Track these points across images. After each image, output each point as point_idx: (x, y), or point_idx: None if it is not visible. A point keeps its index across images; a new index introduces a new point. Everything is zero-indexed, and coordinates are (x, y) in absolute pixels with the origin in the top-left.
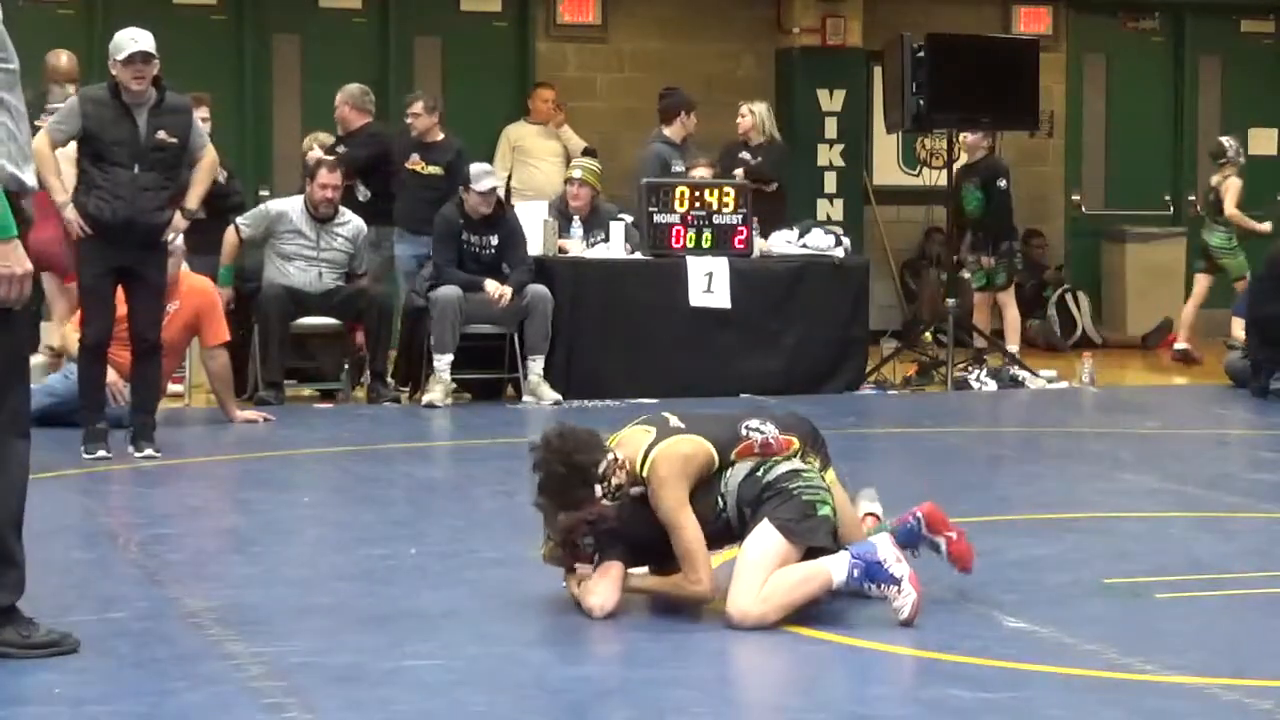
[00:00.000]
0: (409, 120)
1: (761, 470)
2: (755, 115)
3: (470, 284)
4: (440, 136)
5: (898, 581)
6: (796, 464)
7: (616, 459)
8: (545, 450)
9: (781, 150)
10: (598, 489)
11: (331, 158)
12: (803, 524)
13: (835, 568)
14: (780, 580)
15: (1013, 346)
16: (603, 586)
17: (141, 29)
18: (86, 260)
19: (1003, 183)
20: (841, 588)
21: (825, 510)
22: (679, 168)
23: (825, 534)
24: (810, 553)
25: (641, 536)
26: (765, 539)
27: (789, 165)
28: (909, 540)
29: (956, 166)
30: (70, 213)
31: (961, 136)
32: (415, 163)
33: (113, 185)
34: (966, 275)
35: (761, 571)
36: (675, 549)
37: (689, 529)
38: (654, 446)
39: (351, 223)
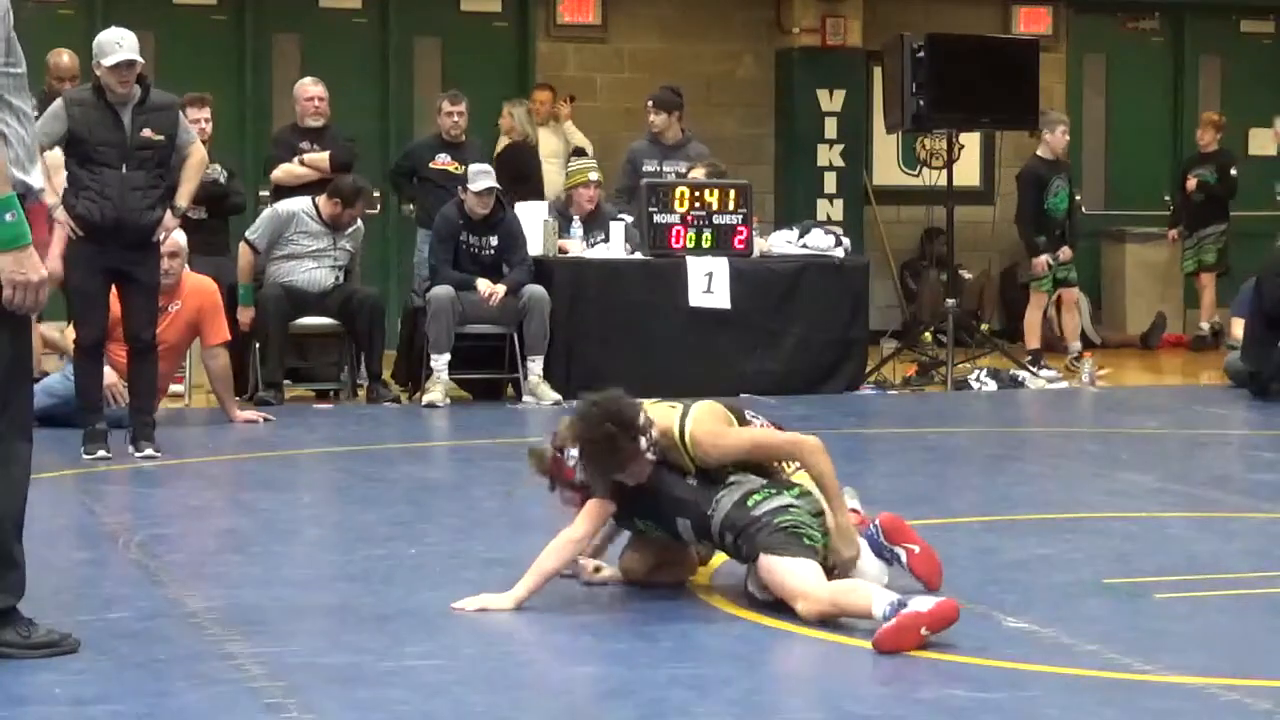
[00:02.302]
0: (453, 119)
1: (752, 501)
2: (514, 118)
3: (463, 283)
4: (464, 137)
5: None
6: (787, 499)
7: (649, 416)
8: (590, 412)
9: (532, 152)
10: (643, 440)
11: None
12: (790, 545)
13: (877, 602)
14: (844, 585)
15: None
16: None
17: (125, 29)
18: (77, 262)
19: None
20: (876, 621)
21: (812, 541)
22: (650, 167)
23: (811, 555)
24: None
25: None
26: (778, 565)
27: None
28: (871, 548)
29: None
30: (61, 215)
31: (1049, 133)
32: (447, 163)
33: (101, 186)
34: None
35: (800, 575)
36: (771, 455)
37: (759, 435)
38: (686, 418)
39: (356, 224)
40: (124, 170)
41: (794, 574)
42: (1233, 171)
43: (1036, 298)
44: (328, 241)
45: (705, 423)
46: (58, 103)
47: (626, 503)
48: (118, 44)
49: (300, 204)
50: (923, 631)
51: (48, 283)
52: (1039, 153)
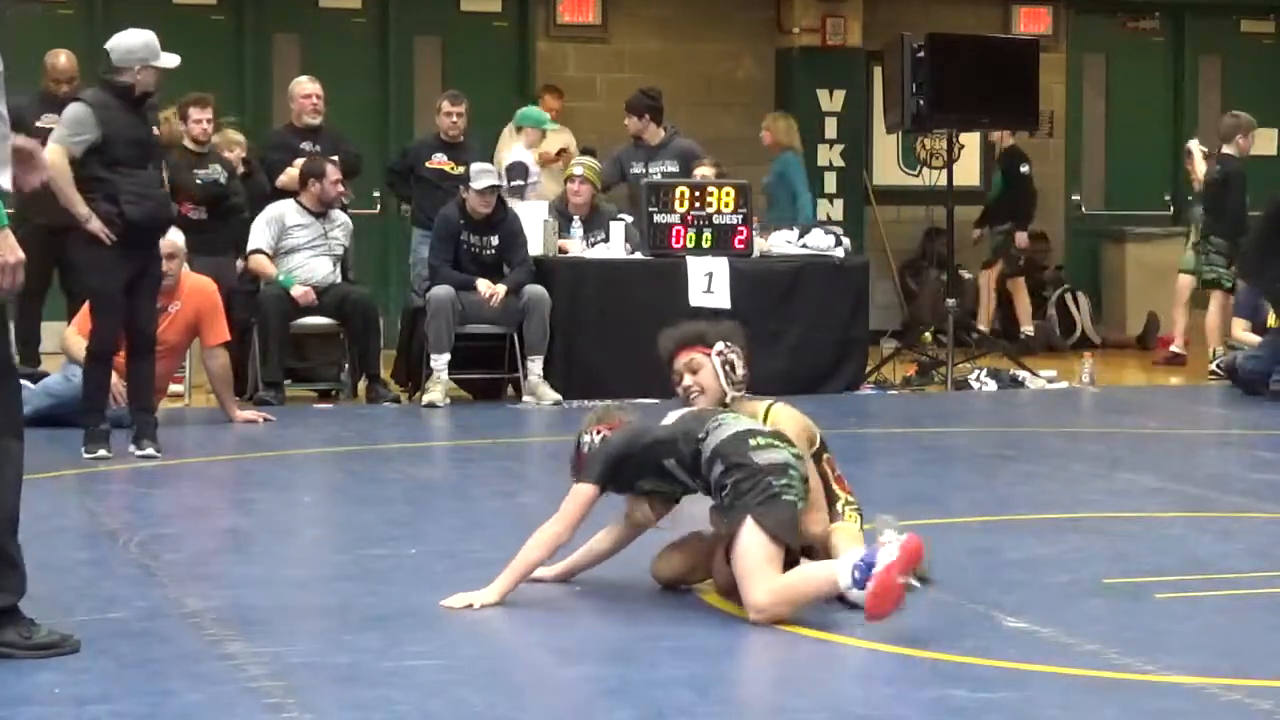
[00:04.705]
0: (452, 119)
1: (755, 443)
2: (170, 123)
3: (463, 284)
4: (463, 138)
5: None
6: (788, 455)
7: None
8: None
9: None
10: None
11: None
12: (779, 515)
13: (840, 570)
14: (790, 579)
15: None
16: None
17: (147, 30)
18: (106, 269)
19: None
20: (847, 591)
21: (798, 509)
22: (637, 169)
23: (794, 535)
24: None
25: None
26: (756, 541)
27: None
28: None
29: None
30: (96, 225)
31: (1243, 137)
32: (443, 163)
33: (139, 186)
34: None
35: (766, 570)
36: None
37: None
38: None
39: (343, 216)
40: (149, 169)
41: (759, 566)
42: (1024, 169)
43: (1220, 297)
44: (319, 231)
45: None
46: (82, 108)
47: (623, 471)
48: (157, 46)
49: (282, 205)
50: (900, 580)
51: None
52: (1233, 153)
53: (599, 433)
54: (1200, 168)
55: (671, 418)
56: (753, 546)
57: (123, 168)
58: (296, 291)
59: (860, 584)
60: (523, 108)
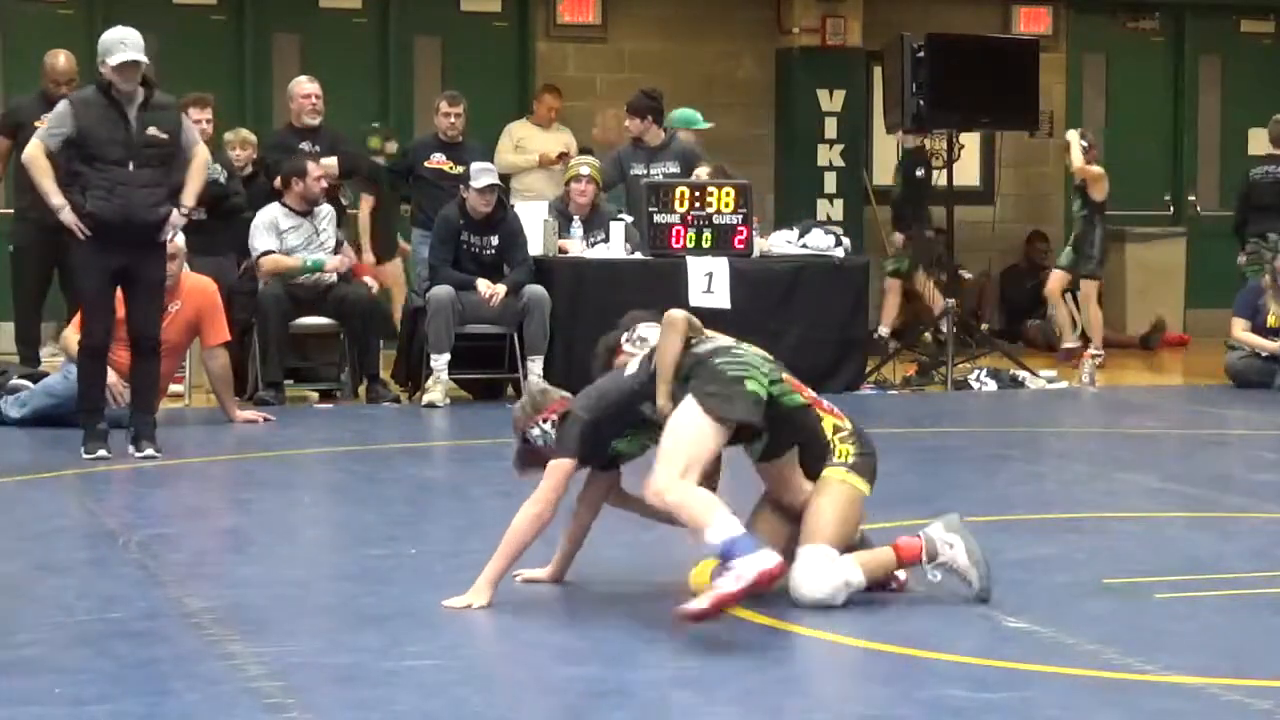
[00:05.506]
0: (450, 120)
1: (694, 341)
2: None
3: (463, 284)
4: (462, 138)
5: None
6: (730, 340)
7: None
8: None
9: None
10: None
11: (311, 152)
12: (720, 394)
13: (715, 529)
14: (692, 495)
15: None
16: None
17: (130, 29)
18: (87, 264)
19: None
20: (708, 540)
21: (753, 386)
22: (638, 170)
23: (747, 408)
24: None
25: None
26: (687, 418)
27: None
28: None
29: None
30: (68, 216)
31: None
32: (442, 163)
33: (109, 183)
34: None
35: (683, 457)
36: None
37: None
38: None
39: (326, 208)
40: (131, 168)
41: (674, 447)
42: (918, 173)
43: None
44: (310, 230)
45: None
46: (64, 104)
47: (599, 435)
48: (122, 43)
49: (271, 210)
50: (726, 609)
51: None
52: None
53: (545, 420)
54: (1078, 159)
55: (632, 367)
56: (682, 423)
57: (100, 163)
58: (331, 262)
59: (720, 558)
60: (673, 110)
